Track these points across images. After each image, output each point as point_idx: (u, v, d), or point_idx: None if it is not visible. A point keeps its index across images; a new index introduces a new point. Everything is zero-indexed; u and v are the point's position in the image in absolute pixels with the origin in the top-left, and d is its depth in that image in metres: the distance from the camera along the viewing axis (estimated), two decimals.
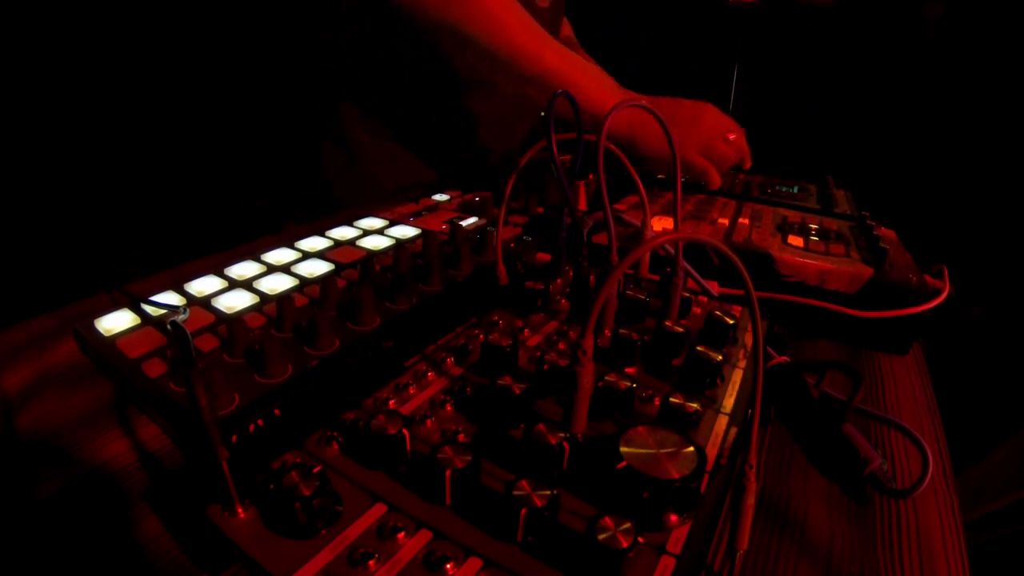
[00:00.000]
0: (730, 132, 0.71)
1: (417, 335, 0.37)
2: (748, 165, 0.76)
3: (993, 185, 1.52)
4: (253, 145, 0.95)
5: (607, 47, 0.77)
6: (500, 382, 0.29)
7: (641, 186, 0.42)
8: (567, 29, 1.10)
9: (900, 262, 0.55)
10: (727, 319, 0.38)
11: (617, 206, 0.64)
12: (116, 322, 0.39)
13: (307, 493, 0.23)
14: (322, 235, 0.55)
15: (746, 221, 0.64)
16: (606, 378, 0.30)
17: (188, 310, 0.40)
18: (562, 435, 0.26)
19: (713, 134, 0.69)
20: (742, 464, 0.24)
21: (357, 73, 0.78)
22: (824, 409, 0.40)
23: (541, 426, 0.26)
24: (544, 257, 0.52)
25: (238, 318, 0.37)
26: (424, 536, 0.23)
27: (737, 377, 0.35)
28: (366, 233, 0.57)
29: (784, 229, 0.61)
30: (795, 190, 0.80)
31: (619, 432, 0.26)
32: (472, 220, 0.61)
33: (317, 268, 0.48)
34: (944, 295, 0.50)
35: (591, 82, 0.65)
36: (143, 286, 0.45)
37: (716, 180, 0.71)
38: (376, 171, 0.83)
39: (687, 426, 0.29)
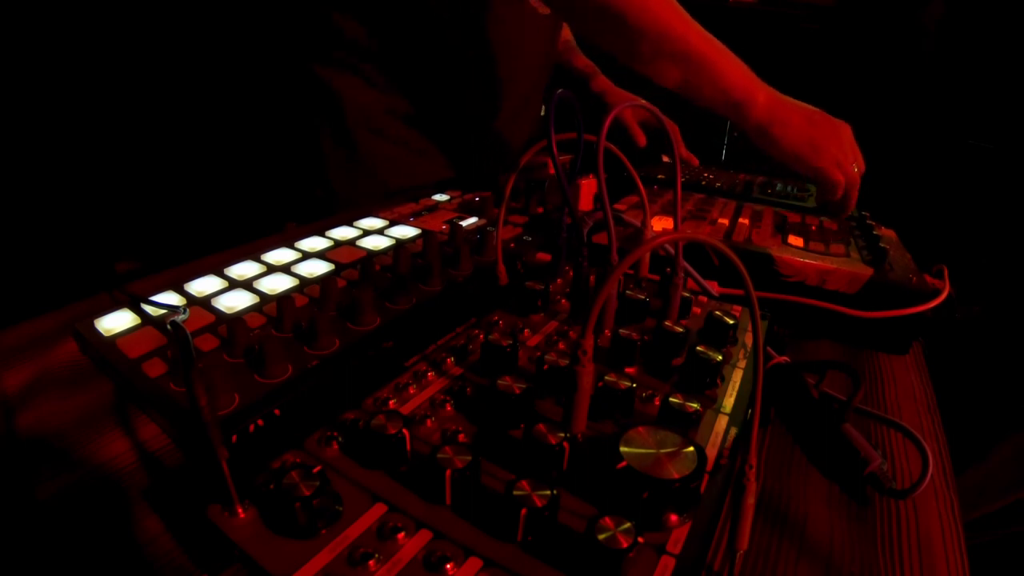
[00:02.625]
0: (859, 163, 0.70)
1: (417, 335, 0.37)
2: (847, 211, 0.70)
3: (993, 185, 1.52)
4: (255, 144, 0.95)
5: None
6: (500, 382, 0.29)
7: (641, 186, 0.42)
8: (567, 33, 1.10)
9: (900, 262, 0.55)
10: (727, 319, 0.38)
11: (617, 206, 0.64)
12: (116, 322, 0.39)
13: (307, 493, 0.23)
14: (322, 235, 0.55)
15: (746, 221, 0.64)
16: (606, 378, 0.30)
17: (188, 310, 0.40)
18: (562, 435, 0.26)
19: (848, 155, 0.67)
20: (742, 464, 0.24)
21: (374, 66, 0.78)
22: (824, 409, 0.40)
23: (541, 426, 0.26)
24: (544, 257, 0.52)
25: (238, 318, 0.37)
26: (424, 536, 0.23)
27: (737, 377, 0.35)
28: (366, 233, 0.57)
29: (784, 229, 0.61)
30: (795, 190, 0.80)
31: (619, 432, 0.26)
32: (472, 220, 0.61)
33: (317, 268, 0.48)
34: (944, 295, 0.50)
35: (732, 67, 0.66)
36: (143, 286, 0.45)
37: (835, 197, 0.67)
38: (380, 172, 0.83)
39: (687, 426, 0.29)
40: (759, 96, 0.66)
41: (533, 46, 0.87)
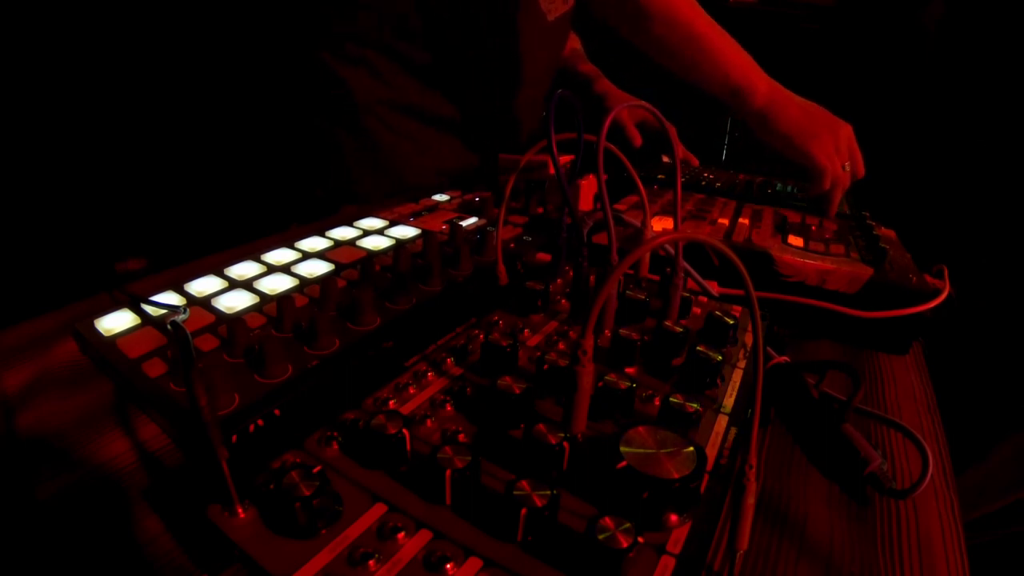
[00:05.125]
0: (857, 164, 0.70)
1: (417, 335, 0.37)
2: (831, 211, 0.71)
3: (993, 185, 1.51)
4: (266, 140, 0.94)
5: (610, 49, 0.78)
6: (500, 382, 0.29)
7: (641, 186, 0.42)
8: (575, 42, 1.11)
9: (900, 262, 0.55)
10: (727, 319, 0.38)
11: (617, 206, 0.64)
12: (116, 322, 0.39)
13: (307, 493, 0.23)
14: (322, 235, 0.55)
15: (746, 221, 0.64)
16: (606, 378, 0.30)
17: (188, 310, 0.40)
18: (562, 435, 0.26)
19: (843, 151, 0.69)
20: (742, 464, 0.24)
21: (386, 59, 0.78)
22: (824, 409, 0.40)
23: (541, 426, 0.26)
24: (544, 257, 0.52)
25: (238, 318, 0.37)
26: (424, 536, 0.23)
27: (737, 377, 0.35)
28: (366, 233, 0.57)
29: (784, 229, 0.61)
30: (795, 190, 0.80)
31: (619, 432, 0.26)
32: (472, 220, 0.61)
33: (317, 268, 0.48)
34: (944, 295, 0.50)
35: (736, 55, 0.70)
36: (143, 286, 0.45)
37: (823, 187, 0.69)
38: (393, 163, 0.83)
39: (687, 426, 0.29)
40: (760, 85, 0.69)
41: (543, 51, 0.88)
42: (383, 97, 0.80)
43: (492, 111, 0.88)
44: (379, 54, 0.78)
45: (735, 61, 0.70)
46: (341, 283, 0.45)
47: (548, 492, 0.23)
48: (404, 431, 0.26)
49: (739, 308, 0.42)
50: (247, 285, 0.45)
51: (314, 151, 0.85)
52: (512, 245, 0.55)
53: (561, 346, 0.37)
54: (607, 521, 0.21)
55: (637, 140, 0.98)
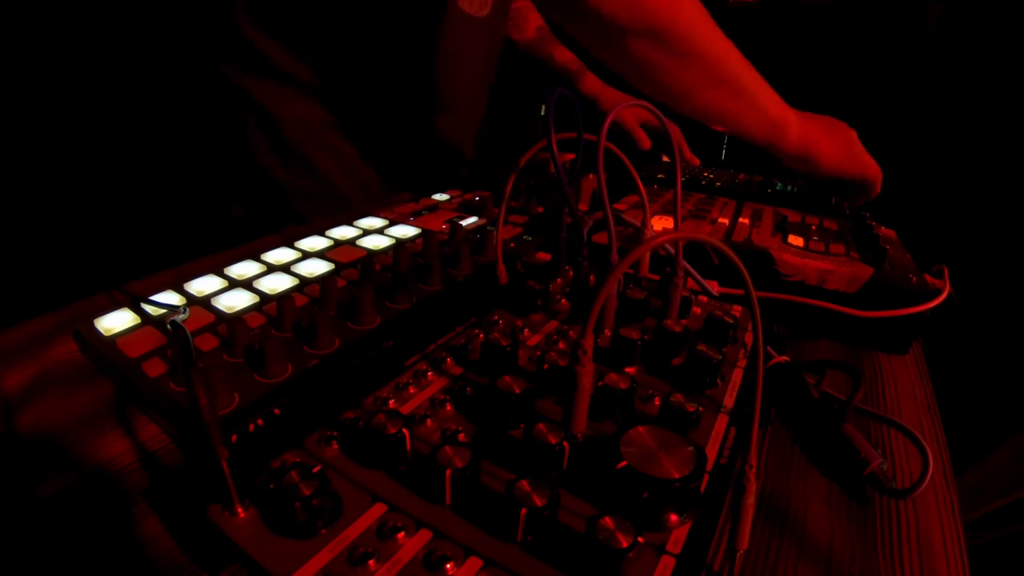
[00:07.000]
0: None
1: (417, 335, 0.37)
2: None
3: (993, 185, 1.51)
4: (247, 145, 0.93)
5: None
6: (500, 382, 0.29)
7: (641, 186, 0.42)
8: (539, 19, 1.02)
9: (900, 262, 0.55)
10: (727, 319, 0.38)
11: (617, 206, 0.64)
12: (116, 322, 0.39)
13: (307, 493, 0.23)
14: (322, 235, 0.55)
15: (746, 221, 0.64)
16: (606, 378, 0.30)
17: (188, 310, 0.40)
18: (562, 435, 0.26)
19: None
20: (742, 464, 0.24)
21: (308, 84, 0.74)
22: (824, 409, 0.40)
23: (541, 426, 0.26)
24: (544, 257, 0.52)
25: (238, 318, 0.37)
26: (424, 536, 0.23)
27: (737, 377, 0.35)
28: (366, 233, 0.57)
29: (784, 229, 0.61)
30: (795, 189, 0.80)
31: (619, 432, 0.26)
32: (472, 220, 0.61)
33: (317, 268, 0.48)
34: (944, 295, 0.50)
35: (766, 86, 0.66)
36: (143, 286, 0.45)
37: (877, 190, 0.72)
38: (333, 184, 0.79)
39: (687, 426, 0.29)
40: (790, 115, 0.66)
41: (472, 50, 0.83)
42: (304, 120, 0.75)
43: (434, 117, 0.82)
44: (291, 75, 0.73)
45: (770, 95, 0.64)
46: (341, 282, 0.45)
47: (548, 492, 0.23)
48: (404, 431, 0.26)
49: (739, 308, 0.42)
50: (247, 285, 0.45)
51: (247, 173, 0.80)
52: (512, 245, 0.55)
53: (561, 346, 0.37)
54: (607, 521, 0.21)
55: (645, 143, 0.95)
